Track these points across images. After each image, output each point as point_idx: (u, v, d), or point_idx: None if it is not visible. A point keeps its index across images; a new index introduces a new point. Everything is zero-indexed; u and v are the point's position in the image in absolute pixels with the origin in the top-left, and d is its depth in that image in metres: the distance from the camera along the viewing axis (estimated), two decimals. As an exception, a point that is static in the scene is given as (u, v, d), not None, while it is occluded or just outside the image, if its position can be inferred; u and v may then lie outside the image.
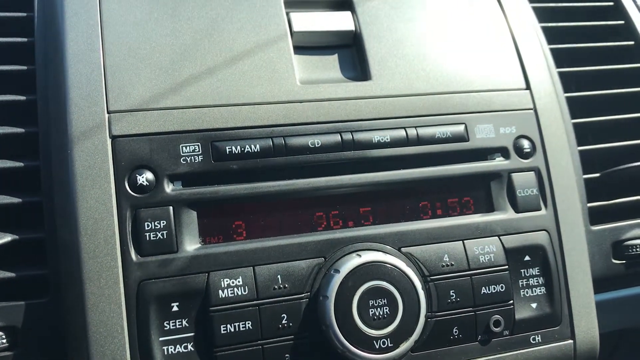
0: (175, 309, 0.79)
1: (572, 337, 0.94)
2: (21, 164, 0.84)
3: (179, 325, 0.79)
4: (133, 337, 0.78)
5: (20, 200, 0.82)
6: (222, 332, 0.79)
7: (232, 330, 0.80)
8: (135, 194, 0.80)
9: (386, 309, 0.83)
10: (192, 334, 0.80)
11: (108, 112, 0.82)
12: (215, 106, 0.86)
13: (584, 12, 1.22)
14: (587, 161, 1.08)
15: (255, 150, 0.85)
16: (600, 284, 1.04)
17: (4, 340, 0.79)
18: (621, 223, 1.08)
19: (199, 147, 0.83)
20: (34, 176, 0.84)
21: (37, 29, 0.91)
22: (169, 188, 0.82)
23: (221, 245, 0.83)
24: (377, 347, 0.82)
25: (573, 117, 1.08)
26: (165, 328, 0.79)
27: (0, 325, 0.79)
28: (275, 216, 0.86)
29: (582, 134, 1.09)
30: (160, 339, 0.78)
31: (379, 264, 0.84)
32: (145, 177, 0.81)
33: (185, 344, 0.79)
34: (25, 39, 0.91)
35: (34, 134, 0.85)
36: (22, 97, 0.87)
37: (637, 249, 1.07)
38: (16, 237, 0.81)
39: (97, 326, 0.77)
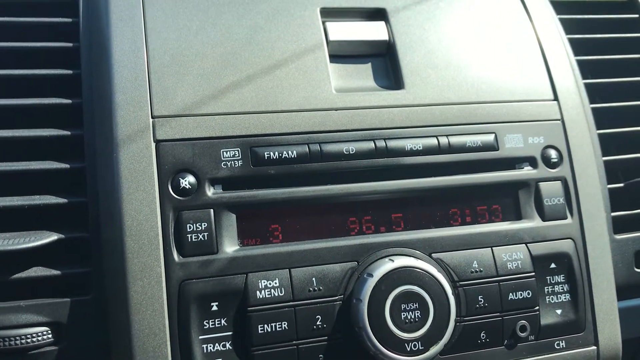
0: (214, 308, 0.82)
1: (596, 343, 0.97)
2: (67, 166, 0.87)
3: (218, 324, 0.82)
4: (174, 335, 0.81)
5: (66, 200, 0.85)
6: (260, 331, 0.82)
7: (269, 330, 0.82)
8: (178, 197, 0.83)
9: (417, 312, 0.85)
10: (230, 333, 0.82)
11: (152, 117, 0.85)
12: (254, 113, 0.88)
13: (610, 23, 1.24)
14: (611, 171, 1.10)
15: (292, 156, 0.88)
16: (623, 291, 1.06)
17: (50, 336, 0.81)
18: (645, 232, 1.10)
19: (238, 152, 0.86)
20: (78, 177, 0.87)
21: (83, 34, 0.94)
22: (210, 191, 0.84)
23: (259, 248, 0.85)
24: (408, 349, 0.84)
25: (598, 128, 1.10)
26: (205, 327, 0.82)
27: (46, 321, 0.82)
28: (310, 220, 0.89)
29: (607, 145, 1.11)
30: (200, 337, 0.81)
31: (410, 269, 0.86)
32: (188, 181, 0.84)
33: (224, 343, 0.82)
34: (70, 44, 0.94)
35: (80, 137, 0.88)
36: (68, 101, 0.90)
37: (659, 258, 1.09)
38: (61, 236, 0.84)
39: (140, 324, 0.80)
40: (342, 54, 0.97)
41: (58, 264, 0.84)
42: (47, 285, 0.83)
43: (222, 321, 0.82)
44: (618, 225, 1.08)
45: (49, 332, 0.81)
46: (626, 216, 1.09)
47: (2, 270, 0.82)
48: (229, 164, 0.85)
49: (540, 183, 0.97)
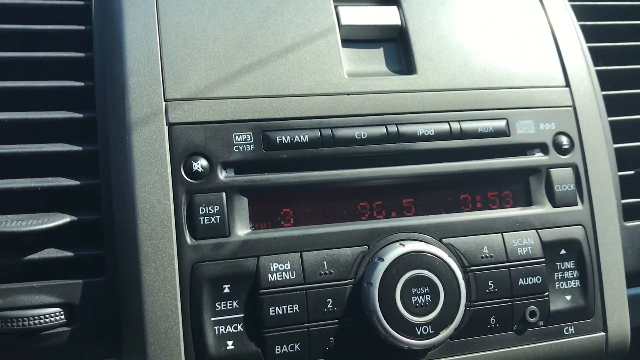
0: (226, 290, 0.83)
1: (605, 329, 0.97)
2: (79, 148, 0.87)
3: (229, 306, 0.83)
4: (186, 317, 0.81)
5: (78, 182, 0.86)
6: (271, 314, 0.83)
7: (281, 312, 0.83)
8: (190, 180, 0.83)
9: (428, 297, 0.86)
10: (242, 315, 0.83)
11: (165, 100, 0.85)
12: (266, 97, 0.88)
13: (622, 11, 1.23)
14: (622, 158, 1.09)
15: (304, 141, 0.88)
16: (632, 278, 1.06)
17: (62, 317, 0.82)
18: (656, 220, 1.10)
19: (250, 137, 0.86)
20: (91, 160, 0.87)
21: (95, 17, 0.94)
22: (222, 175, 0.85)
23: (270, 231, 0.86)
24: (419, 333, 0.85)
25: (609, 115, 1.10)
26: (217, 309, 0.82)
27: (58, 302, 0.82)
28: (321, 204, 0.89)
29: (617, 132, 1.11)
30: (212, 319, 0.82)
31: (421, 254, 0.86)
32: (200, 164, 0.84)
33: (236, 325, 0.82)
34: (82, 27, 0.94)
35: (92, 120, 0.88)
36: (80, 83, 0.90)
37: (669, 246, 1.09)
38: (74, 218, 0.84)
39: (152, 305, 0.80)
40: (354, 38, 0.97)
41: (71, 246, 0.85)
42: (60, 267, 0.84)
43: (234, 303, 0.83)
44: (628, 213, 1.08)
45: (62, 313, 0.82)
46: (636, 203, 1.09)
47: (16, 252, 0.82)
48: (241, 147, 0.86)
49: (551, 169, 0.97)
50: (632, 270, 1.07)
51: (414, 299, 0.85)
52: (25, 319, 0.80)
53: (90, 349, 0.86)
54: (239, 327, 0.83)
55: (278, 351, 0.83)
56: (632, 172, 1.10)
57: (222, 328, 0.82)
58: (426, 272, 0.86)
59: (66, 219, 0.83)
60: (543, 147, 0.98)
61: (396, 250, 0.86)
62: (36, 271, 0.83)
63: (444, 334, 0.86)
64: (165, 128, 0.84)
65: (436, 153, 0.93)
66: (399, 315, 0.84)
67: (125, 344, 0.85)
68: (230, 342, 0.82)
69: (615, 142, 1.09)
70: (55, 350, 0.83)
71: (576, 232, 0.97)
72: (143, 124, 0.84)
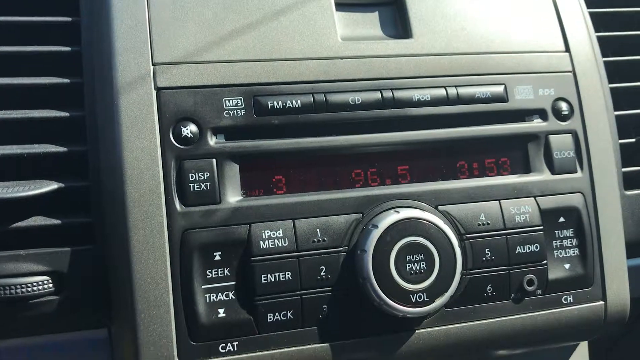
0: (217, 258, 0.81)
1: (604, 298, 0.95)
2: (67, 114, 0.85)
3: (221, 274, 0.81)
4: (176, 285, 0.80)
5: (65, 149, 0.84)
6: (263, 281, 0.81)
7: (273, 280, 0.81)
8: (179, 146, 0.81)
9: (423, 264, 0.84)
10: (233, 282, 0.81)
11: (153, 64, 0.83)
12: (257, 61, 0.86)
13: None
14: (623, 126, 1.07)
15: (297, 106, 0.86)
16: (633, 248, 1.05)
17: (50, 285, 0.81)
18: (655, 189, 1.08)
19: (241, 101, 0.84)
20: (78, 126, 0.85)
21: None
22: (212, 141, 0.83)
23: (262, 198, 0.84)
24: (413, 300, 0.83)
25: (610, 82, 1.08)
26: (208, 276, 0.81)
27: (47, 270, 0.81)
28: (314, 171, 0.87)
29: (618, 99, 1.09)
30: (203, 286, 0.80)
31: (416, 221, 0.85)
32: (190, 129, 0.82)
33: (227, 292, 0.81)
34: (69, -9, 0.92)
35: (79, 85, 0.86)
36: (67, 48, 0.88)
37: (671, 215, 1.07)
38: (62, 185, 0.83)
39: (142, 273, 0.79)
40: (349, 1, 0.94)
41: (59, 214, 0.83)
42: (48, 235, 0.82)
43: (225, 271, 0.81)
44: (629, 181, 1.06)
45: (50, 281, 0.81)
46: (637, 172, 1.07)
47: (2, 219, 0.80)
48: (231, 113, 0.84)
49: (550, 136, 0.95)
50: (632, 240, 1.05)
51: (409, 266, 0.84)
52: (12, 287, 0.78)
53: (79, 318, 0.85)
54: (231, 295, 0.81)
55: (270, 319, 0.82)
56: (633, 139, 1.08)
57: (213, 296, 0.81)
58: (421, 239, 0.84)
59: (53, 186, 0.82)
60: (542, 113, 0.96)
61: (390, 217, 0.84)
62: (23, 239, 0.81)
63: (439, 301, 0.84)
64: (154, 92, 0.82)
65: (432, 119, 0.91)
66: (394, 283, 0.83)
67: (115, 312, 0.84)
68: (221, 310, 0.81)
69: (616, 110, 1.07)
70: (44, 319, 0.82)
71: (575, 200, 0.95)
72: (131, 89, 0.82)
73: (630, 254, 1.03)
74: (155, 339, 0.78)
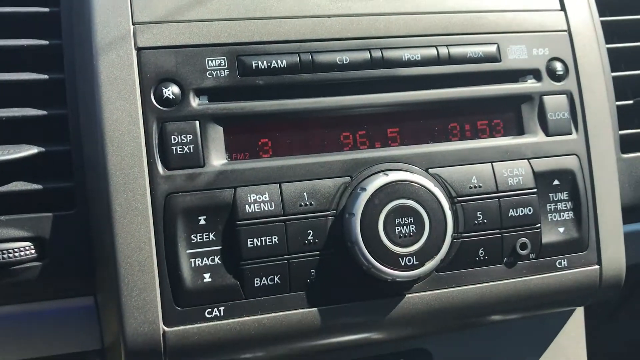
0: (202, 222, 0.79)
1: (599, 263, 0.94)
2: (45, 76, 0.83)
3: (206, 238, 0.79)
4: (160, 249, 0.78)
5: (45, 112, 0.82)
6: (249, 245, 0.79)
7: (259, 244, 0.80)
8: (161, 107, 0.79)
9: (412, 227, 0.82)
10: (219, 247, 0.80)
11: (133, 24, 0.80)
12: (241, 19, 0.83)
13: None
14: (620, 88, 1.05)
15: (282, 66, 0.83)
16: (629, 213, 1.03)
17: (32, 251, 0.79)
18: (653, 151, 1.06)
19: (224, 62, 0.82)
20: (58, 89, 0.83)
21: None
22: (194, 102, 0.81)
23: (248, 162, 0.82)
24: (403, 264, 0.82)
25: (607, 43, 1.05)
26: (193, 241, 0.79)
27: (28, 236, 0.79)
28: (301, 134, 0.85)
29: (616, 61, 1.06)
30: (188, 251, 0.79)
31: (406, 183, 0.83)
32: (171, 90, 0.80)
33: (212, 257, 0.79)
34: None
35: (58, 46, 0.84)
36: (45, 9, 0.85)
37: (668, 178, 1.05)
38: (42, 149, 0.81)
39: (125, 237, 0.77)
40: (336, -41, 0.91)
41: (40, 179, 0.81)
42: (29, 200, 0.81)
43: (211, 235, 0.80)
44: (626, 145, 1.04)
45: (32, 247, 0.79)
46: (634, 135, 1.05)
47: (-20, 185, 0.79)
48: (214, 73, 0.81)
49: (544, 97, 0.93)
50: (628, 204, 1.03)
51: (398, 229, 0.82)
52: (-7, 252, 0.77)
53: (64, 286, 0.84)
54: (216, 259, 0.80)
55: (257, 283, 0.80)
56: (630, 101, 1.05)
57: (198, 260, 0.79)
58: (411, 202, 0.83)
59: (33, 150, 0.80)
60: (536, 74, 0.93)
61: (379, 180, 0.82)
62: (4, 205, 0.80)
63: (429, 265, 0.83)
64: (134, 52, 0.79)
65: (423, 79, 0.89)
66: (382, 246, 0.81)
67: (99, 279, 0.83)
68: (207, 275, 0.79)
69: (613, 71, 1.04)
70: (27, 286, 0.81)
71: (570, 162, 0.93)
72: (110, 49, 0.79)
73: (626, 220, 1.01)
74: (140, 304, 0.77)
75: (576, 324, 1.06)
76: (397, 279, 0.82)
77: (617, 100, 1.04)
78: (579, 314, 1.06)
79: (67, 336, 0.87)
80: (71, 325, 0.87)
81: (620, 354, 1.49)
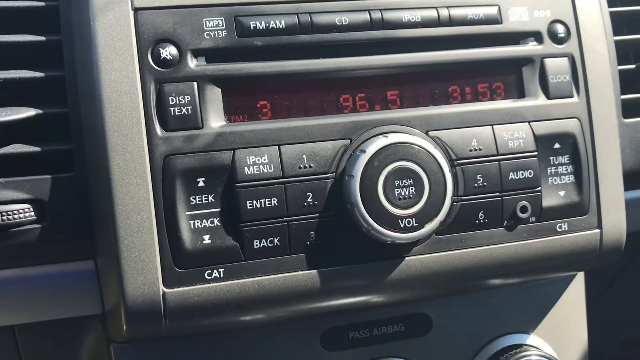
0: (201, 184, 0.79)
1: (599, 226, 0.93)
2: (43, 38, 0.82)
3: (205, 200, 0.79)
4: (159, 211, 0.78)
5: (42, 74, 0.81)
6: (248, 207, 0.79)
7: (258, 206, 0.80)
8: (159, 68, 0.79)
9: (412, 189, 0.82)
10: (218, 209, 0.80)
11: None
12: None
13: None
14: (623, 52, 1.04)
15: (280, 27, 0.82)
16: (630, 179, 1.02)
17: (32, 213, 0.79)
18: (655, 117, 1.05)
19: (222, 22, 0.81)
20: (56, 51, 0.83)
21: None
22: (192, 63, 0.80)
23: (246, 124, 0.82)
24: (402, 226, 0.81)
25: (610, 6, 1.04)
26: (192, 203, 0.79)
27: (28, 198, 0.79)
28: (300, 97, 0.85)
29: (618, 25, 1.05)
30: (187, 213, 0.79)
31: (406, 145, 0.82)
32: (169, 51, 0.79)
33: (212, 219, 0.79)
34: None
35: (55, 8, 0.83)
36: (41, -30, 0.85)
37: (671, 143, 1.04)
38: (40, 111, 0.80)
39: (123, 199, 0.77)
40: None
41: (38, 142, 0.81)
42: (28, 162, 0.80)
43: (210, 197, 0.79)
44: (628, 109, 1.03)
45: (31, 209, 0.79)
46: (636, 99, 1.04)
47: (-21, 147, 0.79)
48: (212, 34, 0.80)
49: (545, 59, 0.92)
50: (630, 169, 1.02)
51: (397, 191, 0.82)
52: (-8, 214, 0.77)
53: (64, 249, 0.84)
54: (216, 221, 0.79)
55: (257, 245, 0.80)
56: (633, 66, 1.04)
57: (197, 222, 0.79)
58: (410, 164, 0.82)
59: (31, 112, 0.80)
60: (537, 36, 0.92)
61: (379, 142, 0.82)
62: (2, 167, 0.80)
63: (429, 227, 0.83)
64: (131, 13, 0.79)
65: (423, 41, 0.88)
66: (382, 208, 0.81)
67: (98, 242, 0.83)
68: (206, 237, 0.79)
69: (616, 35, 1.03)
70: (27, 248, 0.81)
71: (571, 125, 0.92)
72: (107, 9, 0.78)
73: (628, 186, 1.00)
74: (139, 266, 0.77)
75: (576, 290, 1.05)
76: (397, 241, 0.82)
77: (619, 64, 1.03)
78: (579, 280, 1.06)
79: (68, 301, 0.87)
80: (72, 290, 0.87)
81: (620, 322, 1.49)
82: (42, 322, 0.89)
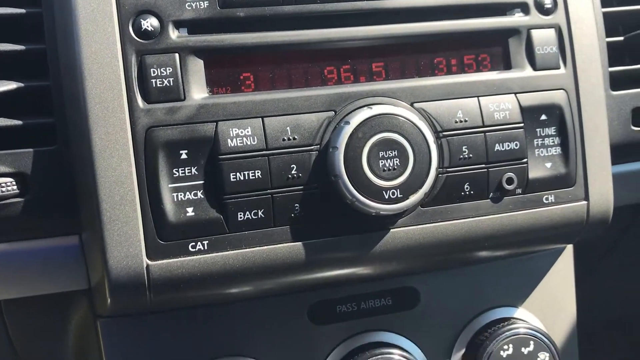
0: (184, 156, 0.79)
1: (586, 198, 0.93)
2: (22, 10, 0.82)
3: (188, 172, 0.79)
4: (142, 183, 0.78)
5: (23, 47, 0.81)
6: (232, 180, 0.79)
7: (242, 178, 0.79)
8: (140, 40, 0.78)
9: (396, 160, 0.82)
10: (201, 181, 0.79)
11: None
12: None
13: None
14: (611, 24, 1.03)
15: None
16: (619, 151, 1.02)
17: (15, 187, 0.79)
18: (643, 89, 1.04)
19: None
20: (36, 24, 0.82)
21: None
22: (174, 35, 0.79)
23: (229, 96, 0.81)
24: (387, 197, 0.81)
25: (598, -24, 1.03)
26: (175, 175, 0.79)
27: (10, 172, 0.79)
28: (284, 68, 0.84)
29: (607, -4, 1.04)
30: (170, 185, 0.78)
31: (390, 116, 0.82)
32: (150, 23, 0.78)
33: (195, 191, 0.79)
34: None
35: (34, -20, 0.83)
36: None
37: (658, 116, 1.04)
38: (21, 84, 0.80)
39: (105, 171, 0.76)
40: None
41: (20, 116, 0.81)
42: (10, 137, 0.80)
43: (193, 170, 0.79)
44: (615, 82, 1.03)
45: (14, 182, 0.79)
46: (624, 72, 1.04)
47: (-41, 121, 0.78)
48: (193, 5, 0.80)
49: (532, 30, 0.91)
50: (618, 142, 1.02)
51: (382, 163, 0.81)
52: (-26, 188, 0.77)
53: (48, 223, 0.84)
54: (199, 193, 0.79)
55: (241, 218, 0.80)
56: (621, 38, 1.04)
57: (180, 195, 0.79)
58: (395, 135, 0.82)
59: (12, 85, 0.79)
60: (523, 7, 0.92)
61: (363, 113, 0.81)
62: (-17, 141, 0.79)
63: (414, 198, 0.82)
64: None
65: (409, 12, 0.87)
66: (366, 180, 0.81)
67: (83, 217, 0.83)
68: (190, 209, 0.79)
69: (604, 6, 1.03)
70: (11, 222, 0.81)
71: (558, 97, 0.92)
72: (87, -20, 0.78)
73: (617, 160, 1.00)
74: (122, 238, 0.77)
75: (565, 264, 1.06)
76: (382, 212, 0.82)
77: (608, 37, 1.02)
78: (568, 254, 1.06)
79: (54, 276, 0.87)
80: (57, 265, 0.87)
81: (607, 300, 1.50)
82: (29, 298, 0.89)
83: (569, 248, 1.06)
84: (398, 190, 0.82)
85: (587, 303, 1.15)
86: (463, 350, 0.99)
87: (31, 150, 0.80)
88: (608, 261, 1.36)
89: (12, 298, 0.90)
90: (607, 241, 1.30)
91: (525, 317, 1.02)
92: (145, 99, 0.78)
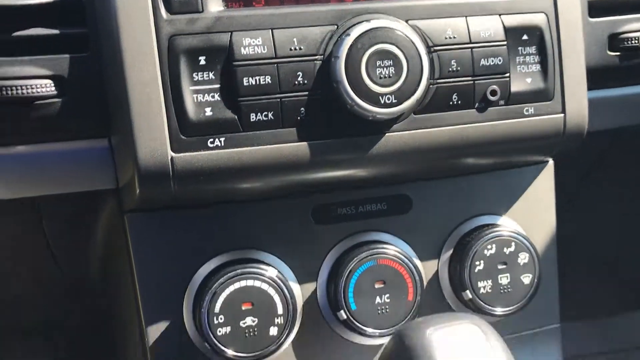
0: (202, 62, 0.89)
1: (563, 111, 1.03)
2: None
3: (206, 77, 0.89)
4: (166, 85, 0.88)
5: (59, -37, 0.90)
6: (245, 84, 0.89)
7: (254, 83, 0.89)
8: None
9: (392, 69, 0.92)
10: (218, 85, 0.89)
11: None
12: None
13: None
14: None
15: None
16: (596, 76, 1.11)
17: (53, 88, 0.89)
18: (620, 17, 1.13)
19: None
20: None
21: None
22: None
23: (242, 10, 0.91)
24: (382, 102, 0.91)
25: None
26: (195, 79, 0.89)
27: (48, 75, 0.89)
28: (292, -13, 0.94)
29: None
30: (190, 87, 0.88)
31: (387, 29, 0.92)
32: None
33: (213, 94, 0.89)
34: None
35: None
36: None
37: (633, 41, 1.13)
38: (57, -3, 0.90)
39: (134, 75, 0.86)
40: None
41: (56, 26, 0.90)
42: (47, 44, 0.90)
43: (210, 74, 0.89)
44: (594, 10, 1.12)
45: (52, 84, 0.89)
46: (603, 2, 1.12)
47: (5, 28, 0.88)
48: None
49: None
50: (594, 65, 1.11)
51: (379, 70, 0.91)
52: (18, 87, 0.87)
53: (82, 125, 0.94)
54: (216, 96, 0.89)
55: (253, 118, 0.90)
56: (600, -33, 1.12)
57: (200, 96, 0.89)
58: (390, 47, 0.91)
59: (50, -2, 0.89)
60: None
61: (362, 26, 0.91)
62: (24, 47, 0.89)
63: (407, 104, 0.92)
64: None
65: None
66: (364, 85, 0.90)
67: (112, 121, 0.93)
68: (208, 109, 0.89)
69: (584, -62, 1.11)
70: (49, 121, 0.91)
71: (538, 19, 1.01)
72: None
73: (594, 84, 1.10)
74: (150, 135, 0.87)
75: (546, 177, 1.16)
76: (377, 116, 0.92)
77: (588, -34, 1.11)
78: (549, 169, 1.16)
79: (85, 175, 0.98)
80: (88, 165, 0.97)
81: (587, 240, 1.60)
82: (62, 196, 1.00)
83: (550, 164, 1.16)
84: (393, 95, 0.92)
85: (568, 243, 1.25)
86: (451, 251, 1.10)
87: (67, 56, 0.90)
88: (585, 192, 1.46)
89: (46, 195, 1.00)
90: (584, 166, 1.40)
91: (509, 223, 1.13)
92: (168, 10, 0.88)
